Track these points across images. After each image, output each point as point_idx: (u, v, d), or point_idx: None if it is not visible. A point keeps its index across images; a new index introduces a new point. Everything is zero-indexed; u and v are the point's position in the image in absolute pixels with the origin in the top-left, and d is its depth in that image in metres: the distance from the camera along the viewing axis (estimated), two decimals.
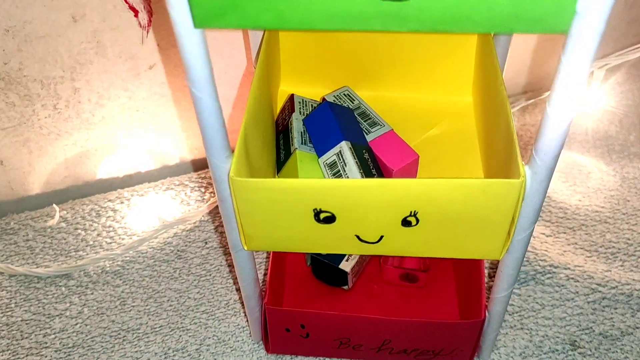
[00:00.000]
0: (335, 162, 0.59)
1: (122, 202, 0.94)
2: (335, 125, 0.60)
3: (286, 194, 0.51)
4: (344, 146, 0.59)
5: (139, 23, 0.79)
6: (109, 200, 0.94)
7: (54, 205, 0.92)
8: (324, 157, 0.60)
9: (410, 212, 0.53)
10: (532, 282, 0.83)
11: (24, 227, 0.91)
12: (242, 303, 0.81)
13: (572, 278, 0.83)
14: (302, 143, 0.62)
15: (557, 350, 0.76)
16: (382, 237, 0.56)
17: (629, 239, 0.87)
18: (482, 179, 0.50)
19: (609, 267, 0.84)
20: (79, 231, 0.90)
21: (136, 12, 0.78)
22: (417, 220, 0.54)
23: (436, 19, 0.39)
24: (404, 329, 0.68)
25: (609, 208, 0.92)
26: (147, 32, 0.80)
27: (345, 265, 0.78)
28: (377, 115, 0.66)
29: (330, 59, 0.73)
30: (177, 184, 0.96)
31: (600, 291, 0.81)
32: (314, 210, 0.53)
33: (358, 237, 0.56)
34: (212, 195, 0.94)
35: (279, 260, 0.78)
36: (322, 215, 0.54)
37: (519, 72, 1.07)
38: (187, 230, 0.90)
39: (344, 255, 0.79)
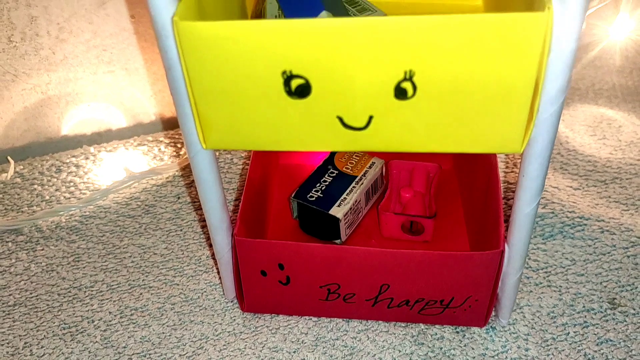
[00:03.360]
0: None
1: (87, 158, 0.83)
2: None
3: (247, 43, 0.40)
4: (324, 16, 0.48)
5: None
6: (73, 156, 0.83)
7: (9, 158, 0.81)
8: None
9: (405, 74, 0.41)
10: (560, 236, 0.70)
11: None
12: (215, 259, 0.69)
13: (608, 231, 0.70)
14: None
15: (593, 309, 0.62)
16: (371, 118, 0.44)
17: None
18: (494, 13, 0.39)
19: None
20: (35, 186, 0.79)
21: None
22: (415, 89, 0.42)
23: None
24: (405, 266, 0.55)
25: None
26: None
27: (337, 211, 0.66)
28: (368, 1, 0.55)
29: None
30: (150, 140, 0.85)
31: None
32: (283, 74, 0.42)
33: (341, 119, 0.44)
34: None
35: (256, 195, 0.66)
36: (294, 83, 0.42)
37: None
38: (157, 186, 0.78)
39: (335, 200, 0.67)
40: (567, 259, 0.67)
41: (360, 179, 0.69)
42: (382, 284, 0.57)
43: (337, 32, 0.39)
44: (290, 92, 0.43)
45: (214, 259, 0.69)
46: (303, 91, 0.43)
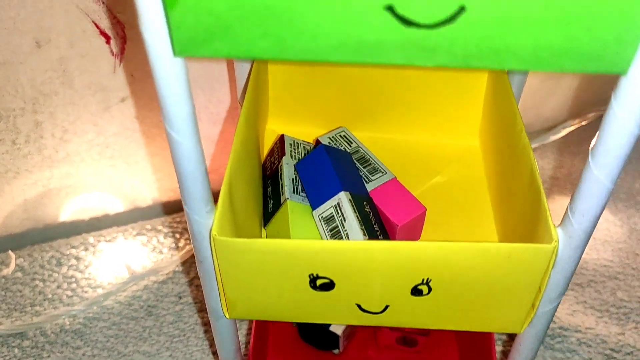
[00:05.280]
0: (333, 215, 0.51)
1: (86, 249, 0.84)
2: (333, 173, 0.52)
3: (278, 257, 0.43)
4: (343, 197, 0.51)
5: (111, 51, 0.71)
6: (72, 247, 0.84)
7: (10, 251, 0.82)
8: (320, 209, 0.52)
9: (423, 280, 0.45)
10: (542, 347, 0.75)
11: None
12: None
13: (584, 343, 0.75)
14: (293, 192, 0.54)
15: None
16: (387, 306, 0.48)
17: None
18: (507, 243, 0.43)
19: (622, 329, 0.77)
20: (37, 282, 0.80)
21: (108, 39, 0.70)
22: (430, 289, 0.46)
23: (471, 53, 0.32)
24: None
25: (618, 262, 0.85)
26: (120, 60, 0.72)
27: (337, 328, 0.70)
28: (378, 160, 0.58)
29: (323, 95, 0.65)
30: (149, 228, 0.87)
31: (615, 357, 0.74)
32: (309, 275, 0.45)
33: (359, 306, 0.48)
34: (187, 242, 0.85)
35: (263, 322, 0.69)
36: (319, 282, 0.46)
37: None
38: (158, 283, 0.81)
39: None
40: None
41: None
42: None
43: (362, 251, 0.43)
44: (315, 288, 0.46)
45: None
46: (327, 287, 0.46)
